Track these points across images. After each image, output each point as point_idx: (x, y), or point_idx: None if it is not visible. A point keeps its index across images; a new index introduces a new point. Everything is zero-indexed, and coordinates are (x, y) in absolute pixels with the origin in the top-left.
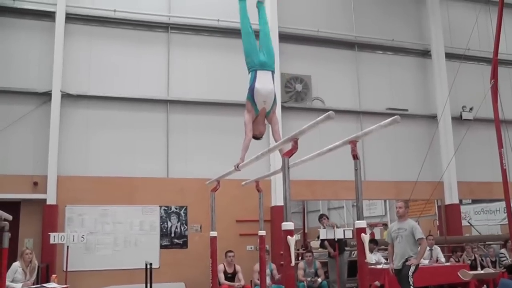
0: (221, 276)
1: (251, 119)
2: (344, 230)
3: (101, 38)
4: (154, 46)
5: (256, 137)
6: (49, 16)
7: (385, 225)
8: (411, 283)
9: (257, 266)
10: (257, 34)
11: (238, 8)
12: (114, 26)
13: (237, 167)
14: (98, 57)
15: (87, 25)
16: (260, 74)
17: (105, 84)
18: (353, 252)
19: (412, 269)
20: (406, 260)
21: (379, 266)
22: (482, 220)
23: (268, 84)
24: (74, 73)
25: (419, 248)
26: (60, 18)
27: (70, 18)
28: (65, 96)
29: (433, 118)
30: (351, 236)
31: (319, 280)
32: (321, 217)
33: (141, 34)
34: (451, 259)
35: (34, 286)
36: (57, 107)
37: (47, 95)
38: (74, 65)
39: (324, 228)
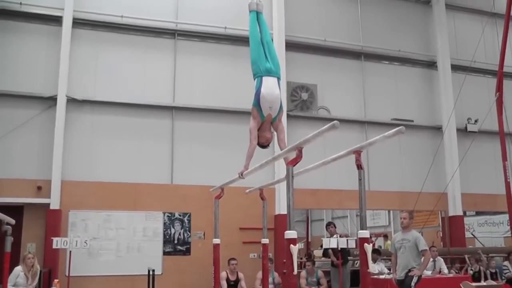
0: (224, 284)
1: (257, 126)
2: (347, 240)
3: (107, 44)
4: (161, 53)
5: (263, 145)
6: (56, 20)
7: (385, 236)
8: None
9: (260, 274)
10: None
11: (249, 18)
12: (121, 32)
13: (241, 175)
14: (104, 62)
15: (94, 30)
16: (266, 79)
17: (111, 90)
18: (356, 262)
19: (414, 280)
20: (409, 271)
21: (382, 276)
22: (485, 232)
23: (274, 90)
24: (80, 78)
25: (422, 259)
26: (67, 23)
27: (77, 23)
28: (71, 101)
29: (438, 129)
30: (354, 246)
31: None
32: (328, 225)
33: (148, 40)
34: (458, 271)
35: None
36: (62, 112)
37: (52, 100)
38: (80, 70)
39: (331, 236)
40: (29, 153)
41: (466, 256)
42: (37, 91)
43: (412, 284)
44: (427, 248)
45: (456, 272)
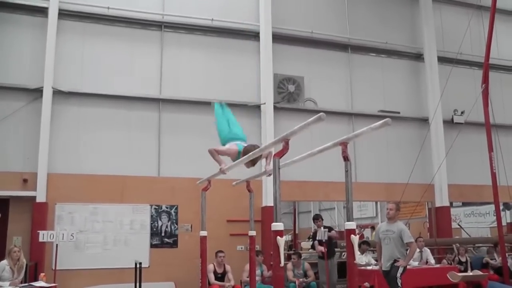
0: (211, 276)
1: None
2: (334, 231)
3: (94, 35)
4: (148, 45)
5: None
6: (42, 11)
7: (372, 227)
8: (399, 284)
9: (247, 266)
10: None
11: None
12: (108, 24)
13: (223, 170)
14: (90, 54)
15: (80, 22)
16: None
17: (97, 82)
18: (343, 254)
19: (400, 270)
20: (394, 261)
21: (369, 267)
22: (472, 222)
23: None
24: (66, 70)
25: (407, 251)
26: (53, 14)
27: (63, 14)
28: (57, 92)
29: (424, 121)
30: (326, 237)
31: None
32: (316, 218)
33: (134, 32)
34: (451, 262)
35: (22, 284)
36: (49, 104)
37: (38, 92)
38: (67, 62)
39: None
40: (14, 145)
41: (454, 246)
42: (23, 82)
43: (398, 275)
44: (413, 240)
45: (448, 263)
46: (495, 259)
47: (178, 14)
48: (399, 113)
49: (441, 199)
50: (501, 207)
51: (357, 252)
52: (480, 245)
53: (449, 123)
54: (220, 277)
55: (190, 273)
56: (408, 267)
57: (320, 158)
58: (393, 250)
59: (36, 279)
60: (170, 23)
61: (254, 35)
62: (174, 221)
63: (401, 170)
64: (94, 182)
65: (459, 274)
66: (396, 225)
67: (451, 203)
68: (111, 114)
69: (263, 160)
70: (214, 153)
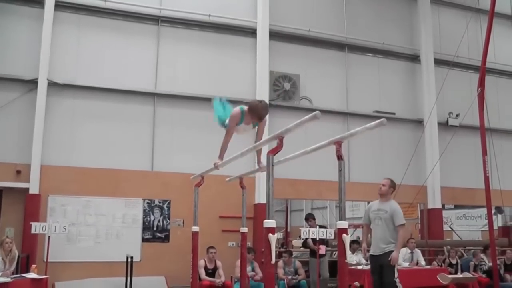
0: (202, 272)
1: (235, 125)
2: (326, 231)
3: (90, 28)
4: (144, 39)
5: None
6: (39, 2)
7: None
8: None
9: (239, 262)
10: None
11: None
12: (104, 16)
13: (218, 166)
14: (86, 46)
15: (77, 14)
16: None
17: (92, 75)
18: (334, 253)
19: (396, 273)
20: (387, 255)
21: (359, 267)
22: (463, 225)
23: None
24: (61, 62)
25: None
26: (49, 5)
27: (60, 6)
28: (52, 84)
29: (419, 122)
30: (332, 237)
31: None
32: (308, 218)
33: (131, 25)
34: (441, 263)
35: (13, 275)
36: (43, 96)
37: (33, 83)
38: (62, 54)
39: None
40: (8, 136)
41: (445, 248)
42: (18, 73)
43: (396, 280)
44: (404, 223)
45: (439, 265)
46: (485, 262)
47: (175, 9)
48: (394, 114)
49: (434, 201)
50: (493, 211)
51: (348, 252)
52: (471, 248)
53: (444, 125)
54: (211, 272)
55: (181, 268)
56: (398, 268)
57: (314, 157)
58: (385, 232)
59: (27, 271)
60: (167, 18)
61: (251, 32)
62: (167, 216)
63: (394, 171)
64: (87, 175)
65: (449, 276)
66: (389, 204)
67: (443, 206)
68: (106, 108)
69: (256, 156)
70: (228, 135)
